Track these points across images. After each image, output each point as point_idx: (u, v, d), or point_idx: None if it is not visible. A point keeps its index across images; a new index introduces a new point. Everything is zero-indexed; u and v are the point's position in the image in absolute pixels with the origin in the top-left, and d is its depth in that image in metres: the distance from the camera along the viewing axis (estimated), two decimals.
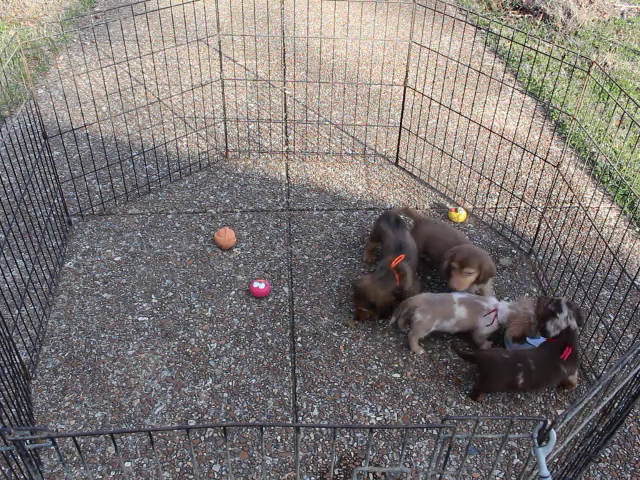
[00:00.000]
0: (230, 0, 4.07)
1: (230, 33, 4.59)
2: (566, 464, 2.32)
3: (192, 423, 2.83)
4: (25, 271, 3.41)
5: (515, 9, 7.64)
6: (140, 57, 3.88)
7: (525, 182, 4.27)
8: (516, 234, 3.94)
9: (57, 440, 2.66)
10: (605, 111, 5.31)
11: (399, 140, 4.50)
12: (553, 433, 1.60)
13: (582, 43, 6.79)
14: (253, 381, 3.04)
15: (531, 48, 3.51)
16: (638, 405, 2.99)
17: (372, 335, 3.28)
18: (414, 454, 2.76)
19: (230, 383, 3.03)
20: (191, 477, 2.64)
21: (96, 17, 6.48)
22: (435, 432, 2.80)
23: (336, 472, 2.67)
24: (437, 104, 4.24)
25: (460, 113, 4.03)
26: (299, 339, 3.25)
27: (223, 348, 3.20)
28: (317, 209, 4.13)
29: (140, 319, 3.34)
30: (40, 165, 3.48)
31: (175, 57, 4.69)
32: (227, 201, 4.17)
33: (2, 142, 4.42)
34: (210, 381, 3.04)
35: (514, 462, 2.75)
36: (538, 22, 7.34)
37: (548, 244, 3.77)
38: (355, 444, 2.78)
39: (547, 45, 6.36)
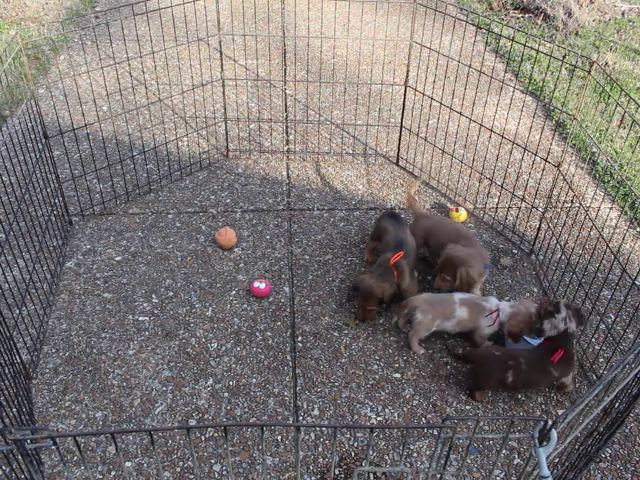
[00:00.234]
0: (231, 0, 4.06)
1: (231, 33, 4.60)
2: (567, 464, 2.32)
3: (193, 423, 2.83)
4: (26, 271, 3.41)
5: (516, 9, 7.64)
6: (141, 57, 3.88)
7: (526, 182, 4.26)
8: (517, 234, 3.94)
9: (58, 440, 2.66)
10: (606, 111, 5.31)
11: (400, 140, 4.50)
12: (554, 433, 1.60)
13: (583, 43, 6.79)
14: (254, 381, 3.04)
15: (532, 48, 3.51)
16: (639, 405, 2.99)
17: (373, 335, 3.28)
18: (415, 454, 2.75)
19: (231, 383, 3.03)
20: (192, 477, 2.64)
21: (97, 17, 6.48)
22: (435, 432, 2.80)
23: (336, 472, 2.67)
24: (438, 104, 4.24)
25: (461, 113, 4.03)
26: (300, 339, 3.25)
27: (224, 348, 3.20)
28: (318, 209, 4.13)
29: (141, 319, 3.34)
30: (41, 165, 3.49)
31: (176, 57, 4.69)
32: (228, 201, 4.17)
33: (3, 142, 4.42)
34: (211, 381, 3.04)
35: (515, 462, 2.75)
36: (539, 22, 7.33)
37: (549, 244, 3.77)
38: (356, 444, 2.78)
39: (548, 45, 6.36)
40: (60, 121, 4.64)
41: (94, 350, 3.17)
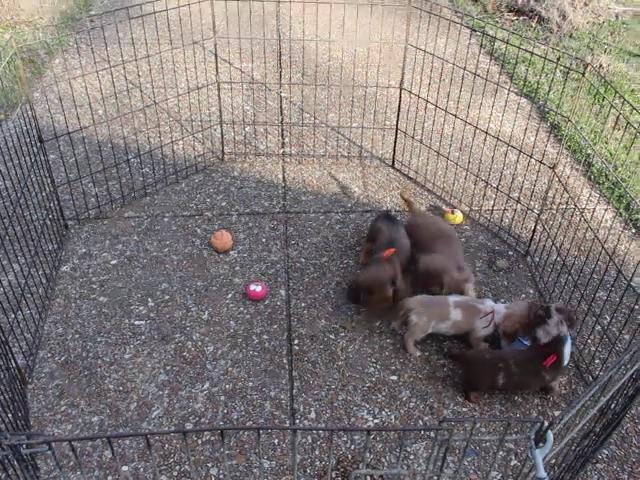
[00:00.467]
0: (226, 3, 4.06)
1: (226, 36, 4.59)
2: (563, 465, 2.32)
3: (189, 426, 2.83)
4: (21, 275, 3.40)
5: (510, 11, 7.66)
6: (136, 60, 3.88)
7: (521, 184, 4.27)
8: (512, 236, 3.95)
9: (54, 445, 2.65)
10: (600, 113, 5.33)
11: (395, 142, 4.50)
12: (550, 434, 1.61)
13: (577, 45, 6.81)
14: (250, 384, 3.03)
15: (526, 50, 3.52)
16: (635, 406, 3.00)
17: (369, 337, 3.28)
18: (412, 456, 2.75)
19: (227, 386, 3.02)
20: None
21: (91, 20, 6.48)
22: (432, 434, 2.80)
23: (333, 475, 2.67)
24: (433, 106, 4.24)
25: (456, 115, 4.04)
26: (296, 342, 3.25)
27: (220, 351, 3.19)
28: (314, 211, 4.13)
29: (137, 323, 3.34)
30: (36, 169, 3.48)
31: (171, 60, 4.69)
32: (223, 204, 4.17)
33: None
34: (207, 384, 3.03)
35: (512, 464, 2.75)
36: (533, 24, 7.35)
37: (544, 246, 3.78)
38: (353, 447, 2.78)
39: (542, 47, 6.37)
40: (55, 125, 4.63)
41: (90, 354, 3.16)
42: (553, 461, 2.49)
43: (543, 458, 1.64)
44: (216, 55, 4.14)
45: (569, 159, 4.72)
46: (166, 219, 4.03)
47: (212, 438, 2.78)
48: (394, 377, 3.08)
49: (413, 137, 4.47)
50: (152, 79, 4.95)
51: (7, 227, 3.03)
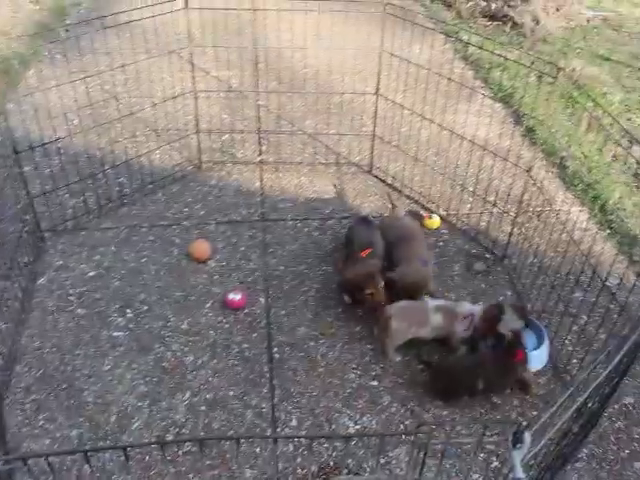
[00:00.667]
0: (201, 12, 4.06)
1: (202, 45, 4.59)
2: (543, 465, 2.34)
3: (170, 438, 2.81)
4: None
5: (484, 17, 7.74)
6: (112, 70, 3.86)
7: (497, 187, 4.31)
8: (490, 239, 3.98)
9: (33, 460, 2.62)
10: (574, 116, 5.40)
11: (372, 148, 4.52)
12: (527, 435, 1.62)
13: (550, 50, 6.90)
14: (231, 393, 3.02)
15: (500, 55, 3.56)
16: (612, 404, 3.03)
17: (349, 343, 3.29)
18: (394, 461, 2.76)
19: (208, 396, 3.01)
20: None
21: (67, 30, 6.43)
22: (412, 438, 2.80)
23: None
24: (409, 112, 4.27)
25: (432, 120, 4.07)
26: (276, 350, 3.24)
27: (200, 361, 3.18)
28: (292, 219, 4.13)
29: (115, 334, 3.31)
30: (11, 181, 3.45)
31: (147, 69, 4.67)
32: (201, 213, 4.16)
33: None
34: (187, 395, 3.02)
35: (493, 465, 2.77)
36: (507, 29, 7.44)
37: (521, 248, 3.82)
38: (334, 453, 2.78)
39: (516, 52, 6.45)
40: (30, 136, 4.58)
41: (68, 367, 3.13)
42: (532, 461, 2.50)
43: (521, 459, 1.66)
44: (192, 64, 4.14)
45: (544, 162, 4.78)
46: (143, 229, 4.01)
47: (193, 449, 2.76)
48: (375, 382, 3.09)
49: (390, 143, 4.49)
50: (128, 89, 4.93)
51: None
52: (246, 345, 3.26)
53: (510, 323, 3.00)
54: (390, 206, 4.01)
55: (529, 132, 5.08)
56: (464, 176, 4.35)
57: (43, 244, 3.86)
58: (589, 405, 2.50)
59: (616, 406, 3.07)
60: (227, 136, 4.90)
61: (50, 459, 1.60)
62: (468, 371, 2.97)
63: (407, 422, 2.91)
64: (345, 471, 2.71)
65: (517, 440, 1.63)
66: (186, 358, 3.19)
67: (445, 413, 2.97)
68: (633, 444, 2.92)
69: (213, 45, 4.29)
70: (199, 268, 3.72)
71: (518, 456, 1.64)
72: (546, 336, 3.25)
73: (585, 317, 3.43)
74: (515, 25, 7.46)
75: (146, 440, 2.79)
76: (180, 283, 3.62)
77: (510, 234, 3.84)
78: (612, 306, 3.42)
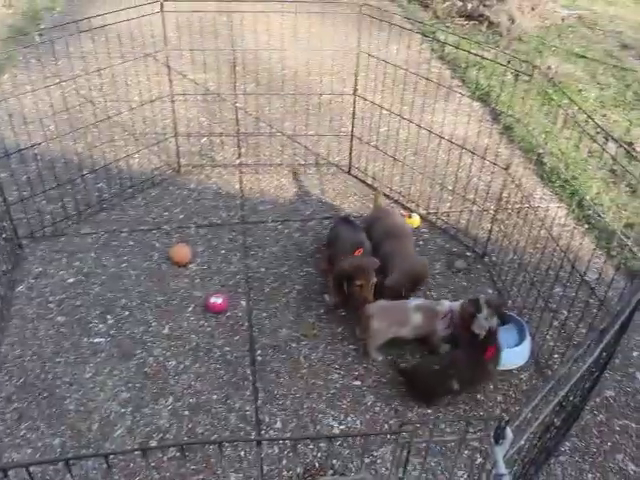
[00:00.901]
0: (177, 15, 4.04)
1: (178, 48, 4.57)
2: (526, 460, 2.36)
3: (154, 443, 2.79)
4: None
5: (461, 17, 7.79)
6: (87, 74, 3.82)
7: (476, 185, 4.34)
8: (470, 237, 4.00)
9: (13, 471, 2.58)
10: (551, 113, 5.45)
11: (351, 149, 4.53)
12: (508, 431, 1.63)
13: (526, 48, 6.96)
14: (214, 397, 3.01)
15: (476, 54, 3.58)
16: (593, 397, 3.06)
17: (331, 344, 3.29)
18: (379, 460, 2.76)
19: (191, 400, 2.99)
20: None
21: (40, 34, 6.37)
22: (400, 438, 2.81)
23: None
24: (387, 112, 4.29)
25: (410, 120, 4.09)
26: (259, 352, 3.24)
27: (182, 365, 3.16)
28: (272, 221, 4.13)
29: (96, 340, 3.28)
30: None
31: (123, 73, 4.64)
32: (181, 217, 4.14)
33: None
34: (170, 400, 3.00)
35: (477, 462, 2.78)
36: (483, 29, 7.50)
37: (501, 245, 3.85)
38: (319, 454, 2.77)
39: (493, 51, 6.50)
40: (5, 142, 4.53)
41: (49, 375, 3.09)
42: (516, 456, 2.52)
43: (504, 455, 1.67)
44: (169, 67, 4.12)
45: (522, 159, 4.82)
46: (123, 234, 3.98)
47: (177, 454, 2.74)
48: (358, 382, 3.09)
49: (369, 143, 4.51)
50: (104, 93, 4.90)
51: None
52: (228, 348, 3.25)
53: (485, 321, 3.00)
54: (375, 203, 3.99)
55: (507, 130, 5.12)
56: (443, 175, 4.38)
57: (21, 251, 3.81)
58: (571, 399, 2.52)
59: (597, 399, 3.10)
60: (205, 139, 4.88)
61: (31, 469, 1.58)
62: (440, 373, 2.95)
63: (391, 421, 2.91)
64: (330, 472, 2.71)
65: (499, 436, 1.64)
66: (168, 363, 3.17)
67: (429, 411, 2.98)
68: (615, 436, 2.95)
69: (189, 48, 4.27)
70: (180, 272, 3.70)
71: (500, 452, 1.65)
72: (527, 332, 3.28)
73: (565, 312, 3.47)
74: (491, 24, 7.52)
75: (129, 447, 2.77)
76: (161, 287, 3.60)
77: (490, 231, 3.87)
78: (591, 300, 3.45)
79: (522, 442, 1.81)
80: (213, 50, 4.87)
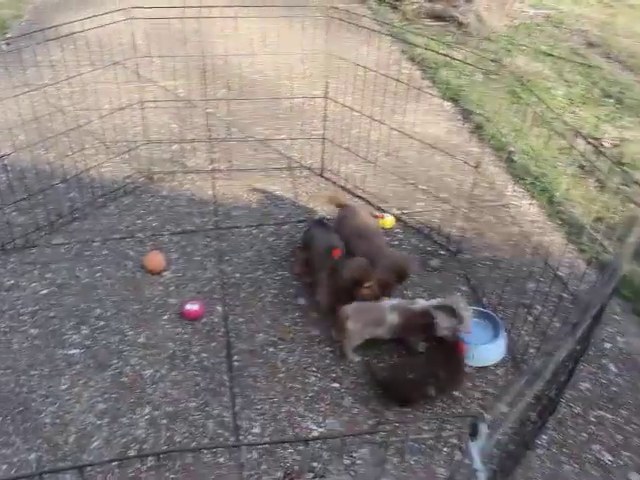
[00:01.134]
0: (145, 22, 4.02)
1: (148, 55, 4.54)
2: (504, 454, 2.38)
3: (132, 454, 2.76)
4: None
5: (430, 18, 7.86)
6: (56, 83, 3.79)
7: (449, 184, 4.38)
8: (443, 235, 4.03)
9: None
10: (520, 111, 5.51)
11: (323, 152, 4.55)
12: (483, 427, 1.65)
13: (495, 47, 7.04)
14: (192, 405, 2.99)
15: (445, 55, 3.61)
16: (569, 390, 3.10)
17: (308, 347, 3.29)
18: (359, 461, 2.76)
19: (168, 409, 2.97)
20: None
21: (7, 43, 6.29)
22: (377, 438, 2.82)
23: None
24: (358, 114, 4.31)
25: (381, 121, 4.11)
26: (236, 358, 3.22)
27: (159, 374, 3.14)
28: (246, 226, 4.12)
29: (71, 352, 3.25)
30: None
31: (93, 81, 4.60)
32: (154, 224, 4.11)
33: None
34: (148, 409, 2.97)
35: (456, 458, 2.79)
36: (453, 29, 7.57)
37: (474, 243, 3.88)
38: (299, 457, 2.77)
39: (462, 51, 6.56)
40: None
41: (24, 389, 3.05)
42: (495, 451, 2.54)
43: (479, 450, 1.68)
44: (138, 74, 4.10)
45: (493, 157, 4.87)
46: (96, 243, 3.94)
47: (156, 463, 2.73)
48: (336, 384, 3.10)
49: (341, 145, 4.52)
50: (74, 102, 4.85)
51: None
52: (205, 355, 3.24)
53: (444, 323, 3.03)
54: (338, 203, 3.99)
55: (477, 129, 5.17)
56: (415, 175, 4.40)
57: None
58: (546, 393, 2.55)
59: (573, 392, 3.14)
60: (177, 146, 4.86)
61: None
62: (416, 381, 2.94)
63: (370, 422, 2.91)
64: (311, 474, 2.71)
65: (474, 432, 1.65)
66: (145, 372, 3.15)
67: (408, 410, 2.98)
68: (590, 427, 2.99)
69: (159, 55, 4.25)
70: (155, 280, 3.68)
71: (475, 448, 1.66)
72: (502, 328, 3.31)
73: (539, 307, 3.51)
74: (460, 25, 7.59)
75: (106, 458, 2.74)
76: (136, 296, 3.57)
77: (463, 230, 3.90)
78: (565, 295, 3.50)
79: (499, 437, 1.83)
80: (183, 56, 4.85)
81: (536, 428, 2.76)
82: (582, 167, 4.83)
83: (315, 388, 3.07)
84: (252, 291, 3.62)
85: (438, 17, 7.80)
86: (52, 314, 3.45)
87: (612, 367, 3.31)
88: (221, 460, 2.74)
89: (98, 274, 3.71)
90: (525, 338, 3.36)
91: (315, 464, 2.73)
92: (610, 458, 2.86)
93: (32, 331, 3.35)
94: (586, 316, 2.17)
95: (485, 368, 3.21)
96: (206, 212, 4.23)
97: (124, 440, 2.83)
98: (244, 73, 5.73)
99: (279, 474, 2.69)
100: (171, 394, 3.04)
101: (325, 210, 4.26)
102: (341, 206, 3.90)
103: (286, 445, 2.80)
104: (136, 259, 3.81)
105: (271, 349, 3.27)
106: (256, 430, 2.87)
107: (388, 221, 4.09)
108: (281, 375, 3.13)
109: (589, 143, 3.33)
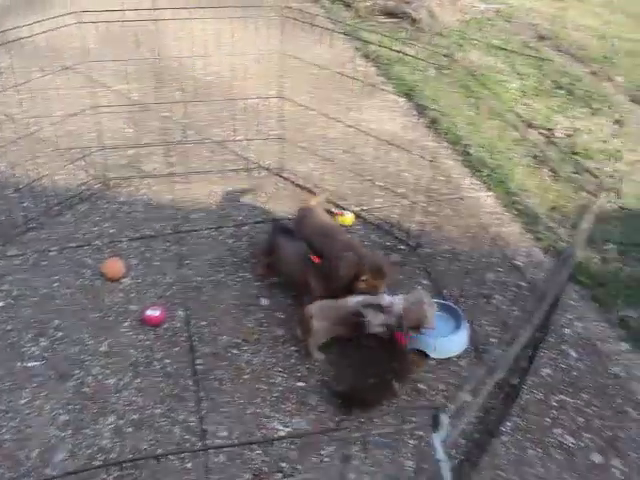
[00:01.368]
0: (96, 25, 3.95)
1: (99, 59, 4.47)
2: (469, 444, 2.41)
3: (97, 464, 2.72)
4: None
5: (383, 14, 7.91)
6: (4, 91, 3.70)
7: (406, 179, 4.41)
8: (403, 230, 4.06)
9: None
10: (474, 105, 5.59)
11: (280, 151, 4.54)
12: (444, 418, 1.67)
13: (448, 42, 7.12)
14: (157, 411, 2.96)
15: (397, 51, 3.64)
16: (530, 377, 3.15)
17: (273, 347, 3.28)
18: (326, 459, 2.76)
19: (134, 417, 2.93)
20: None
21: None
22: (343, 434, 2.83)
23: None
24: (314, 112, 4.32)
25: (337, 119, 4.12)
26: (200, 362, 3.20)
27: (122, 382, 3.10)
28: (206, 228, 4.09)
29: (30, 364, 3.18)
30: None
31: (43, 88, 4.51)
32: (112, 231, 4.05)
33: None
34: (112, 418, 2.93)
35: (425, 450, 2.82)
36: (405, 25, 7.63)
37: (434, 236, 3.92)
38: (268, 458, 2.76)
39: (415, 47, 6.63)
40: None
41: None
42: (463, 441, 2.57)
43: (443, 440, 1.70)
44: (91, 79, 4.03)
45: (450, 151, 4.93)
46: (53, 253, 3.87)
47: (122, 473, 2.68)
48: (301, 384, 3.10)
49: (298, 144, 4.52)
50: (24, 109, 4.75)
51: None
52: (168, 360, 3.20)
53: (376, 318, 3.07)
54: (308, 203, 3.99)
55: (433, 123, 5.22)
56: (373, 171, 4.43)
57: None
58: (508, 380, 2.59)
59: (535, 378, 3.20)
60: (133, 150, 4.80)
61: None
62: (379, 384, 2.95)
63: (337, 419, 2.92)
64: (280, 475, 2.71)
65: (436, 423, 1.67)
66: (108, 381, 3.10)
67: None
68: (552, 412, 3.05)
69: (111, 59, 4.19)
70: (114, 287, 3.63)
71: (438, 438, 1.68)
72: (464, 320, 3.35)
73: (499, 297, 3.57)
74: (413, 21, 7.66)
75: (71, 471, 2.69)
76: (95, 304, 3.52)
77: (422, 224, 3.94)
78: (523, 284, 3.57)
79: (464, 426, 1.85)
80: (136, 60, 4.79)
81: (500, 416, 2.81)
82: (536, 157, 4.92)
83: (281, 388, 3.07)
84: (214, 294, 3.59)
85: (391, 14, 7.86)
86: (9, 327, 3.37)
87: (572, 352, 3.38)
88: (189, 465, 2.71)
89: (56, 284, 3.65)
90: (486, 328, 3.41)
91: (283, 464, 2.73)
92: (572, 441, 2.93)
93: None
94: (543, 304, 2.21)
95: (448, 360, 3.25)
96: (164, 216, 4.18)
97: (89, 451, 2.78)
98: (198, 75, 5.68)
99: (247, 476, 2.68)
100: (136, 402, 3.00)
101: (285, 210, 4.26)
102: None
103: (254, 447, 2.79)
104: (94, 267, 3.75)
105: (235, 351, 3.26)
106: (223, 433, 2.85)
107: (348, 218, 4.10)
108: (246, 377, 3.12)
109: (541, 134, 3.40)
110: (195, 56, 4.20)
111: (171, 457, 2.71)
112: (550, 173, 4.79)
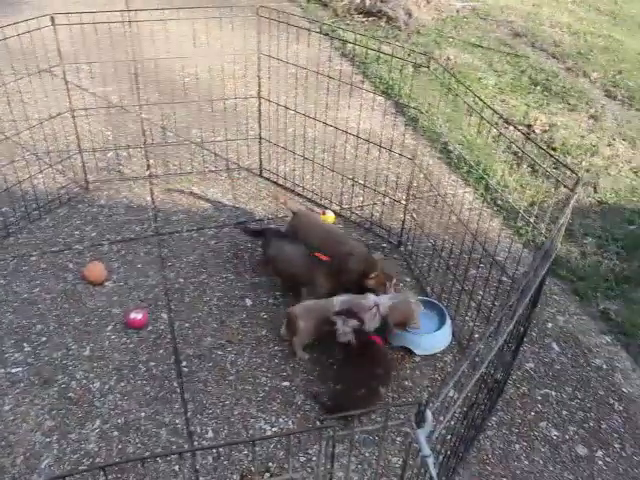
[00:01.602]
0: (71, 27, 3.91)
1: (75, 61, 4.44)
2: (455, 439, 2.43)
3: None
4: None
5: (360, 13, 7.93)
6: None
7: (386, 178, 4.43)
8: (384, 228, 4.09)
9: None
10: (453, 102, 5.63)
11: (260, 151, 4.54)
12: (428, 414, 1.68)
13: (425, 41, 7.16)
14: (143, 414, 2.95)
15: (375, 50, 3.65)
16: (514, 371, 3.19)
17: (257, 348, 3.28)
18: (314, 458, 2.78)
19: (119, 421, 2.92)
20: None
21: None
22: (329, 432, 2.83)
23: None
24: (293, 112, 4.32)
25: (315, 118, 4.13)
26: (184, 364, 3.19)
27: (107, 386, 3.08)
28: (187, 230, 4.08)
29: (13, 371, 3.15)
30: None
31: (18, 91, 4.46)
32: (93, 234, 4.02)
33: None
34: (98, 422, 2.91)
35: (411, 447, 2.84)
36: (383, 24, 7.66)
37: (415, 234, 3.94)
38: (255, 458, 2.77)
39: (392, 45, 6.66)
40: None
41: None
42: (449, 437, 2.60)
43: (428, 436, 1.72)
44: (66, 82, 4.00)
45: (428, 149, 4.96)
46: (33, 257, 3.83)
47: (110, 476, 2.67)
48: (286, 383, 3.10)
49: (277, 144, 4.52)
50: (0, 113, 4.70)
51: None
52: (153, 363, 3.19)
53: (345, 327, 3.09)
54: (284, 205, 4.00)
55: (412, 121, 5.25)
56: (353, 169, 4.45)
57: None
58: (492, 375, 2.62)
59: (519, 372, 3.24)
60: (112, 153, 4.77)
61: None
62: (367, 392, 2.94)
63: (322, 417, 2.93)
64: (267, 474, 2.72)
65: (419, 419, 1.68)
66: (92, 385, 3.08)
67: None
68: (537, 405, 3.09)
69: (87, 61, 4.15)
70: (96, 291, 3.60)
71: (422, 434, 1.70)
72: (447, 316, 3.38)
73: (481, 293, 3.60)
74: (390, 19, 7.69)
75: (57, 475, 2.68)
76: (78, 309, 3.49)
77: (403, 221, 3.96)
78: (504, 279, 3.59)
79: (448, 421, 1.87)
80: (112, 62, 4.76)
81: (485, 410, 2.83)
82: (515, 153, 4.97)
83: (266, 388, 3.07)
84: (197, 295, 3.59)
85: (368, 13, 7.88)
86: None
87: (555, 346, 3.43)
88: (176, 468, 2.71)
89: (37, 289, 3.61)
90: (470, 324, 3.44)
91: (271, 464, 2.74)
92: (557, 433, 2.97)
93: None
94: (522, 298, 2.24)
95: (433, 356, 3.28)
96: (145, 219, 4.16)
97: (75, 456, 2.77)
98: (176, 76, 5.66)
99: (235, 477, 2.69)
100: (121, 405, 2.99)
101: (265, 210, 4.26)
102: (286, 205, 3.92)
103: (241, 447, 2.79)
104: (76, 271, 3.72)
105: (219, 352, 3.25)
106: (210, 435, 2.85)
107: (329, 217, 4.12)
108: (231, 378, 3.12)
109: (518, 130, 3.44)
110: (172, 57, 4.17)
111: (159, 460, 2.71)
112: (529, 169, 4.84)
